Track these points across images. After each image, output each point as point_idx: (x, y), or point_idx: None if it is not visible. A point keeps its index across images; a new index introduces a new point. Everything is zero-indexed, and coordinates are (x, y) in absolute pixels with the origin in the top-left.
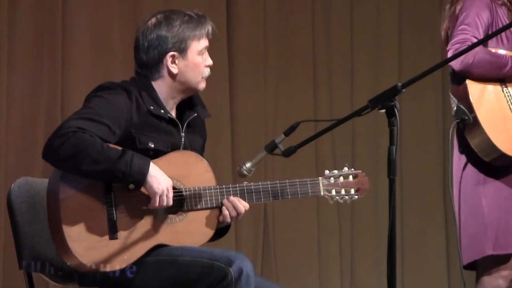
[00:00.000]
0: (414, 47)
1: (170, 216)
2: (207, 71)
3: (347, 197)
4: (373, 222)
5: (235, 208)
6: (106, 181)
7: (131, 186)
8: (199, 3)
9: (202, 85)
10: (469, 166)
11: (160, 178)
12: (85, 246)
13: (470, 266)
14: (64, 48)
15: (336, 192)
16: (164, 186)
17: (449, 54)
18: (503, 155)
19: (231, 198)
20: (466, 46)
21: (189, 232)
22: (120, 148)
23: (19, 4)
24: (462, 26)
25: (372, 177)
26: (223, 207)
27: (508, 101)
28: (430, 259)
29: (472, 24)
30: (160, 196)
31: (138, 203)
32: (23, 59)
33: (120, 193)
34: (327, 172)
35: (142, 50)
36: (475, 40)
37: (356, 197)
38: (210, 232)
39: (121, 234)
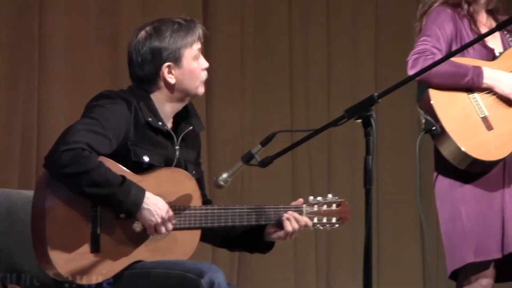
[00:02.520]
0: (391, 58)
1: None
2: (204, 75)
3: (328, 225)
4: (349, 232)
5: (296, 220)
6: (99, 205)
7: (122, 215)
8: (174, 15)
9: (201, 90)
10: (446, 175)
11: (153, 210)
12: (66, 257)
13: (454, 276)
14: (41, 60)
15: (318, 220)
16: (158, 218)
17: (408, 65)
18: (476, 161)
19: (290, 212)
20: (426, 56)
21: (170, 251)
22: (120, 175)
23: None
24: (423, 38)
25: (348, 186)
26: (287, 225)
27: (475, 107)
28: (406, 269)
29: (433, 35)
30: (155, 226)
31: (123, 221)
32: None
33: (106, 211)
34: (311, 198)
35: (137, 65)
36: (435, 51)
37: (337, 225)
38: (190, 252)
39: (103, 248)
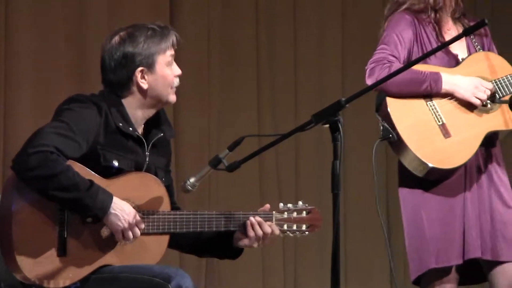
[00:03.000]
0: (357, 64)
1: None
2: (176, 81)
3: (297, 232)
4: (317, 236)
5: (261, 226)
6: (66, 209)
7: (89, 219)
8: (141, 20)
9: (172, 97)
10: (408, 181)
11: (120, 215)
12: (32, 261)
13: (418, 281)
14: (7, 63)
15: (287, 227)
16: (125, 223)
17: (366, 74)
18: (433, 169)
19: (257, 218)
20: (382, 65)
21: (137, 255)
22: (87, 179)
23: None
24: (381, 46)
25: (316, 191)
26: (250, 227)
27: (433, 114)
28: (373, 273)
29: (391, 43)
30: (122, 231)
31: (90, 224)
32: None
33: (73, 215)
34: (281, 205)
35: (110, 70)
36: (392, 59)
37: (307, 233)
38: (158, 256)
39: (70, 252)
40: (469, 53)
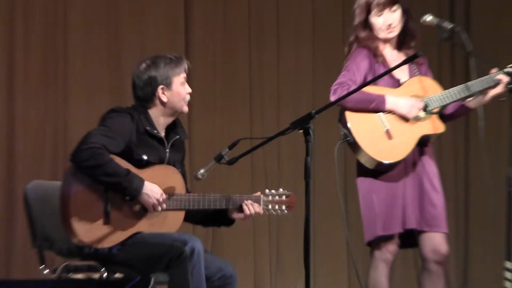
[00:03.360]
0: (326, 80)
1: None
2: (187, 97)
3: (279, 211)
4: (294, 214)
5: (253, 206)
6: (109, 190)
7: (127, 198)
8: (163, 49)
9: (185, 108)
10: (363, 173)
11: (151, 195)
12: (85, 228)
13: (369, 244)
14: (66, 86)
15: (271, 207)
16: (154, 201)
17: (330, 92)
18: (380, 163)
19: (250, 201)
20: (343, 87)
21: (161, 225)
22: (126, 165)
23: (29, 49)
24: (344, 72)
25: (293, 181)
26: (245, 209)
27: (380, 122)
28: (334, 242)
29: (350, 70)
30: (152, 206)
31: (128, 201)
32: (36, 93)
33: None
34: (267, 191)
35: (139, 88)
36: (350, 83)
37: (286, 211)
38: (176, 226)
39: (112, 222)
40: (409, 78)
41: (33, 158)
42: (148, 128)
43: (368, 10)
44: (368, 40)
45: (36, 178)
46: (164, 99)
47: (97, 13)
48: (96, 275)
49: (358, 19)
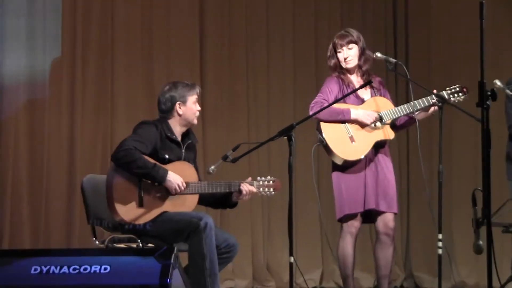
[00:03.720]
0: (304, 101)
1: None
2: (197, 113)
3: (268, 192)
4: (280, 200)
5: (248, 188)
6: (142, 178)
7: (156, 184)
8: (183, 78)
9: (195, 121)
10: (335, 168)
11: (173, 181)
12: (124, 208)
13: (340, 220)
14: (112, 104)
15: (262, 189)
16: (175, 185)
17: (309, 108)
18: (346, 160)
19: (249, 186)
20: (318, 104)
21: (181, 205)
22: (153, 161)
23: (86, 77)
24: (319, 94)
25: (280, 174)
26: (242, 189)
27: (345, 130)
28: (311, 220)
29: (324, 92)
30: (174, 189)
31: (156, 188)
32: (91, 110)
33: (146, 183)
34: (258, 178)
35: (162, 103)
36: (323, 101)
37: (273, 193)
38: (192, 206)
39: (145, 203)
40: (371, 97)
41: (88, 158)
42: (168, 134)
43: (334, 48)
44: (336, 69)
45: (90, 173)
46: (180, 112)
47: (136, 50)
48: (134, 245)
49: (329, 54)
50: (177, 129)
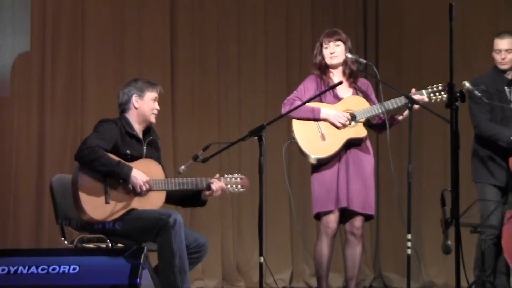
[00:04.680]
0: (274, 101)
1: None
2: (155, 111)
3: (236, 189)
4: (251, 198)
5: (217, 184)
6: (107, 177)
7: (121, 181)
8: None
9: (153, 119)
10: (312, 169)
11: (138, 178)
12: (92, 207)
13: (316, 218)
14: (83, 100)
15: (230, 186)
16: (140, 182)
17: (282, 106)
18: (318, 159)
19: (219, 182)
20: (290, 102)
21: (148, 202)
22: (117, 159)
23: (56, 72)
24: (294, 92)
25: (250, 174)
26: (213, 186)
27: (317, 128)
28: (279, 224)
29: (299, 91)
30: (139, 187)
31: (122, 185)
32: (60, 108)
33: (112, 180)
34: (225, 175)
35: (120, 97)
36: (296, 99)
37: (242, 190)
38: (160, 203)
39: (111, 201)
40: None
41: (57, 157)
42: (128, 130)
43: (321, 45)
44: (319, 67)
45: (60, 172)
46: (136, 105)
47: (107, 47)
48: (103, 245)
49: (315, 52)
50: (136, 126)
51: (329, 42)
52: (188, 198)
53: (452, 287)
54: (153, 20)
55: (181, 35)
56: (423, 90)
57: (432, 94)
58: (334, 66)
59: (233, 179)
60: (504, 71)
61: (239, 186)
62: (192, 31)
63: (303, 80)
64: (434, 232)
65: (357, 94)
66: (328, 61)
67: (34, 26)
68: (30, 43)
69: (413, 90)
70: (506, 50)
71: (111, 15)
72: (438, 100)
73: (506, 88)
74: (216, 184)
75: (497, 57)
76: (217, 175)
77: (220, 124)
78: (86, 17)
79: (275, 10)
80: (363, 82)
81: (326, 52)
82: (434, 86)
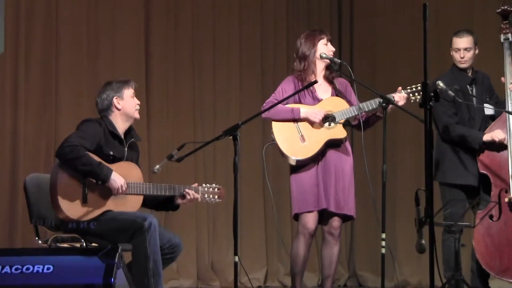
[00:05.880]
0: (250, 101)
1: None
2: (137, 106)
3: (212, 199)
4: (229, 200)
5: (192, 194)
6: (86, 177)
7: (100, 182)
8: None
9: (137, 114)
10: (291, 170)
11: (117, 181)
12: (69, 206)
13: (295, 218)
14: (57, 100)
15: (207, 196)
16: (119, 185)
17: (262, 107)
18: (297, 160)
19: (191, 190)
20: (269, 105)
21: (125, 205)
22: (98, 159)
23: (29, 75)
24: (273, 94)
25: (225, 174)
26: (187, 196)
27: (296, 129)
28: (254, 223)
29: (277, 93)
30: (117, 190)
31: (100, 186)
32: (34, 108)
33: (91, 180)
34: (203, 184)
35: (100, 103)
36: (275, 101)
37: (219, 200)
38: (137, 207)
39: (89, 201)
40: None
41: (31, 157)
42: (111, 129)
43: (317, 40)
44: (303, 68)
45: (34, 171)
46: (119, 106)
47: (81, 48)
48: (77, 245)
49: (304, 50)
50: (120, 125)
51: (329, 40)
52: (161, 203)
53: (426, 286)
54: (127, 20)
55: (156, 35)
56: (402, 90)
57: (411, 94)
58: (319, 66)
59: (211, 189)
60: (464, 70)
61: (216, 197)
62: (166, 31)
63: (278, 79)
64: (408, 232)
65: (336, 95)
66: (325, 55)
67: (8, 27)
68: (4, 44)
69: (399, 88)
70: (465, 49)
71: (85, 17)
72: (418, 100)
73: (468, 86)
74: (190, 194)
75: (456, 56)
76: (195, 184)
77: (195, 124)
78: (60, 19)
79: (249, 10)
80: (341, 82)
81: (328, 47)
82: (413, 86)
